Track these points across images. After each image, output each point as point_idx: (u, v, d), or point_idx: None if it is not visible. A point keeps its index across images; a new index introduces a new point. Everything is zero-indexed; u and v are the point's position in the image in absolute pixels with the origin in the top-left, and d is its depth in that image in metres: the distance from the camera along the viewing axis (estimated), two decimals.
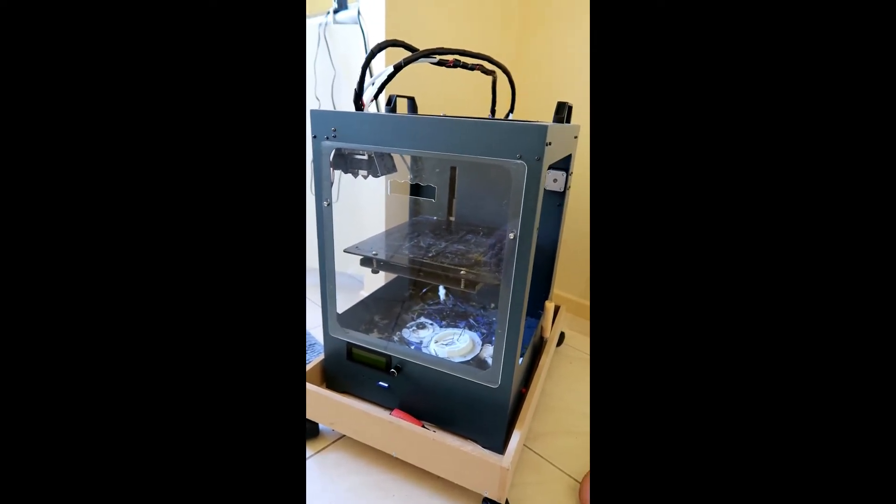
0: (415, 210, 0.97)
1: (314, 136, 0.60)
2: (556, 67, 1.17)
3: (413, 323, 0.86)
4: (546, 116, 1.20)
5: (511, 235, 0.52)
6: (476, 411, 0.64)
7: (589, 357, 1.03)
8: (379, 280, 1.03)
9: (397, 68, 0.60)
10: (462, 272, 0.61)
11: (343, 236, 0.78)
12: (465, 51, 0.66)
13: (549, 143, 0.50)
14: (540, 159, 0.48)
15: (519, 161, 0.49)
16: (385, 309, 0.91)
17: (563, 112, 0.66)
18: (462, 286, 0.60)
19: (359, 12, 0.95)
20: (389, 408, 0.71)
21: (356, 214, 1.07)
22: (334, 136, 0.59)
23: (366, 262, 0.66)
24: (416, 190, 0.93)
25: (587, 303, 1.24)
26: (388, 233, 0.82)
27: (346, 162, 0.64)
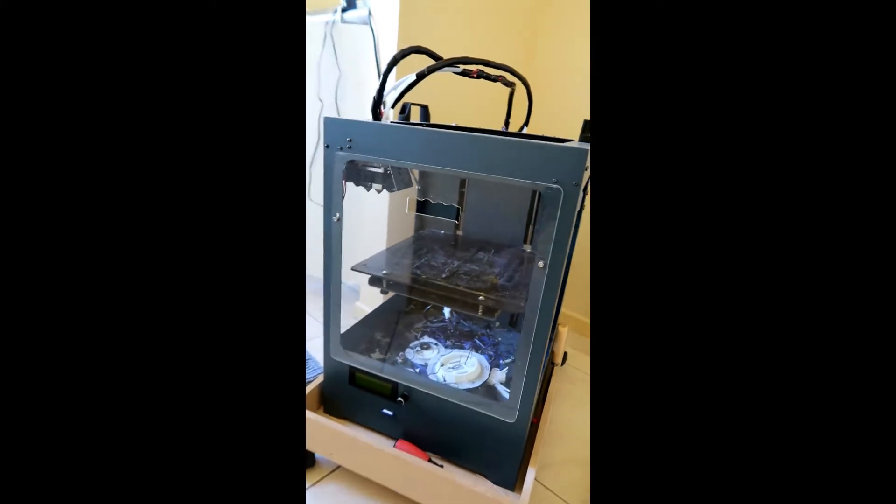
0: (419, 222, 0.92)
1: (327, 146, 0.55)
2: (564, 78, 1.15)
3: (417, 343, 0.81)
4: (555, 129, 1.18)
5: (540, 265, 0.49)
6: (488, 445, 0.60)
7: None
8: (375, 290, 0.98)
9: (420, 76, 0.56)
10: (481, 297, 0.57)
11: (343, 248, 0.73)
12: (488, 61, 0.63)
13: (587, 168, 0.46)
14: (578, 184, 0.45)
15: (555, 185, 0.46)
16: (386, 326, 0.86)
17: (589, 131, 0.62)
18: (480, 313, 0.56)
19: (370, 13, 0.90)
20: (392, 437, 0.67)
21: (357, 225, 1.02)
22: (349, 147, 0.54)
23: (375, 281, 0.62)
24: (432, 209, 0.88)
25: (586, 320, 1.21)
26: (396, 249, 0.78)
27: (359, 174, 0.59)
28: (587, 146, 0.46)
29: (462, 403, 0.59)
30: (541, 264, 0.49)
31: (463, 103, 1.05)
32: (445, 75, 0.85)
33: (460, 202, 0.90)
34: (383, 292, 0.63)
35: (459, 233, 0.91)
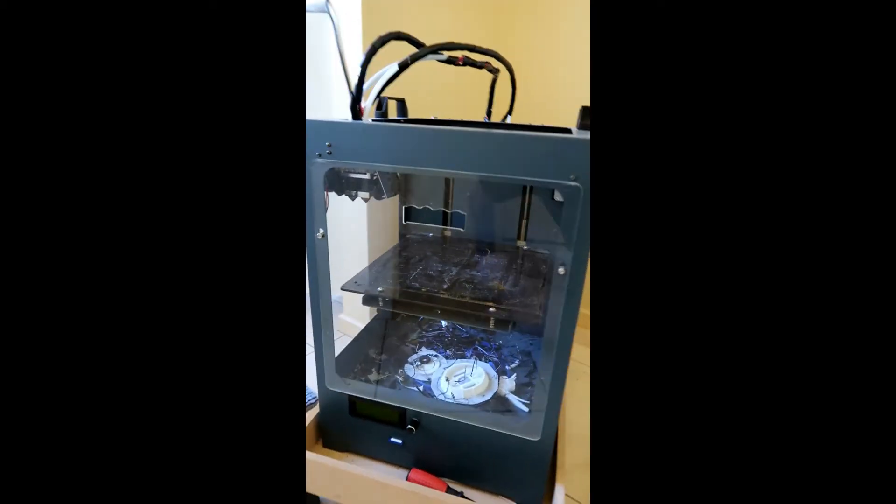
0: (404, 225, 0.86)
1: None
2: (541, 61, 1.10)
3: (416, 357, 0.75)
4: (540, 117, 1.13)
5: (560, 271, 0.44)
6: (510, 465, 0.56)
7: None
8: (359, 300, 0.91)
9: (403, 66, 0.49)
10: (491, 309, 0.52)
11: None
12: (474, 46, 0.56)
13: None
14: None
15: (574, 183, 0.41)
16: (378, 341, 0.79)
17: (588, 118, 0.58)
18: (492, 325, 0.51)
19: (327, 1, 0.81)
20: (404, 466, 0.61)
21: (335, 230, 0.94)
22: (329, 153, 0.47)
23: (370, 300, 0.55)
24: (419, 215, 0.81)
25: (586, 311, 1.19)
26: (386, 259, 0.71)
27: (341, 182, 0.52)
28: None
29: (479, 425, 0.54)
30: (561, 270, 0.44)
31: (439, 94, 0.98)
32: (420, 64, 0.78)
33: (446, 201, 0.84)
34: (380, 311, 0.57)
35: (447, 233, 0.85)
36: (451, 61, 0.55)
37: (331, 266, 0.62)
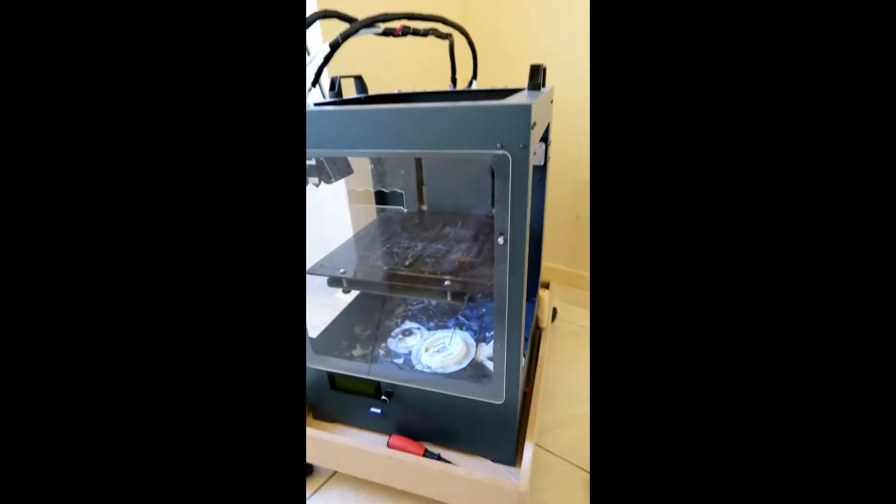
0: (383, 203, 0.86)
1: None
2: (508, 24, 1.05)
3: (398, 330, 0.78)
4: (508, 80, 1.09)
5: (500, 240, 0.44)
6: (481, 427, 0.58)
7: (587, 330, 0.99)
8: None
9: (333, 46, 0.49)
10: (447, 282, 0.53)
11: (308, 245, 0.68)
12: (413, 14, 0.55)
13: (535, 124, 0.41)
14: (526, 146, 0.40)
15: (501, 151, 0.40)
16: (366, 317, 0.82)
17: (538, 77, 0.56)
18: (449, 298, 0.52)
19: None
20: (386, 433, 0.65)
21: (318, 217, 0.96)
22: None
23: (334, 282, 0.57)
24: (380, 197, 0.82)
25: (575, 271, 1.19)
26: (357, 239, 0.72)
27: None
28: (530, 101, 0.40)
29: (447, 392, 0.57)
30: (500, 240, 0.44)
31: (404, 66, 0.96)
32: (376, 39, 0.76)
33: (419, 177, 0.83)
34: (345, 292, 0.59)
35: (425, 208, 0.86)
36: (388, 33, 0.53)
37: (320, 252, 0.64)
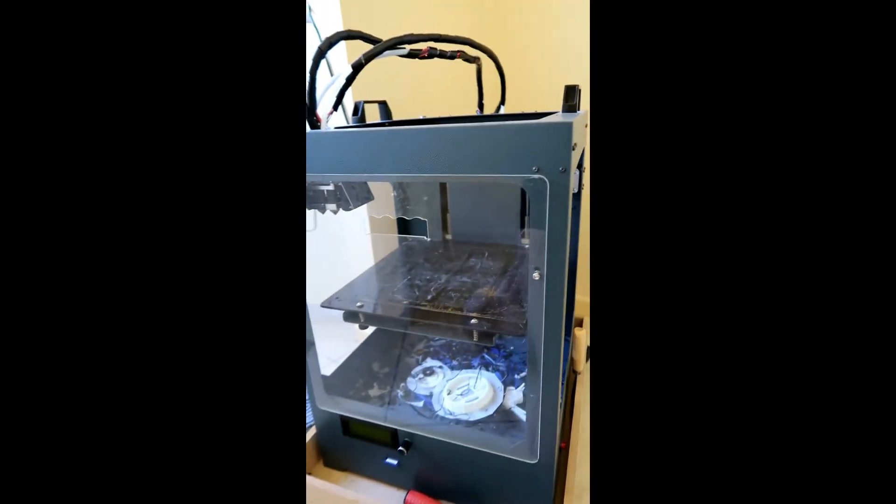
0: (405, 231, 0.83)
1: None
2: (542, 44, 1.03)
3: (419, 369, 0.72)
4: (542, 103, 1.06)
5: (535, 276, 0.39)
6: (511, 487, 0.51)
7: None
8: None
9: (356, 68, 0.46)
10: (473, 321, 0.47)
11: (326, 275, 0.64)
12: (440, 35, 0.52)
13: (575, 146, 0.36)
14: (566, 170, 0.35)
15: (537, 176, 0.35)
16: (385, 352, 0.77)
17: (574, 98, 0.52)
18: (475, 339, 0.47)
19: (308, 7, 0.80)
20: (403, 487, 0.58)
21: (338, 245, 0.93)
22: None
23: (350, 316, 0.53)
24: (403, 225, 0.78)
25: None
26: (377, 269, 0.68)
27: (308, 196, 0.50)
28: (570, 119, 0.35)
29: (472, 446, 0.50)
30: (536, 275, 0.39)
31: (431, 92, 0.95)
32: (402, 63, 0.75)
33: (444, 203, 0.80)
34: (362, 327, 0.54)
35: (449, 237, 0.81)
36: (413, 55, 0.51)
37: (341, 283, 0.61)
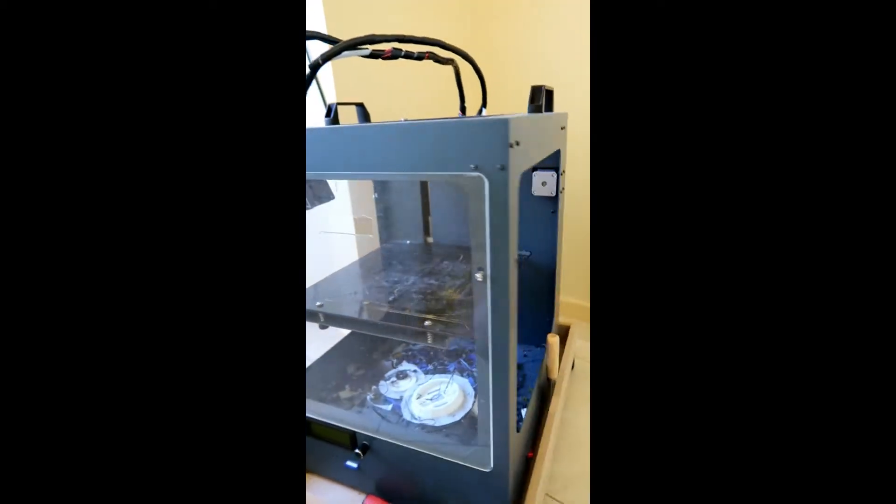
0: (386, 234, 0.82)
1: None
2: (523, 51, 1.02)
3: (393, 372, 0.71)
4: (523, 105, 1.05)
5: (479, 276, 0.38)
6: (469, 495, 0.49)
7: None
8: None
9: (314, 68, 0.46)
10: (427, 323, 0.46)
11: (315, 272, 0.64)
12: (405, 36, 0.52)
13: (517, 144, 0.35)
14: (505, 168, 0.34)
15: (475, 174, 0.35)
16: (363, 355, 0.76)
17: (539, 98, 0.51)
18: (430, 340, 0.46)
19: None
20: (363, 491, 0.57)
21: (326, 244, 0.94)
22: None
23: (310, 316, 0.52)
24: (386, 227, 0.78)
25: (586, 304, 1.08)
26: (347, 271, 0.68)
27: None
28: (512, 116, 0.34)
29: (428, 452, 0.49)
30: (479, 276, 0.38)
31: (414, 94, 0.95)
32: (384, 65, 0.75)
33: (425, 205, 0.79)
34: (322, 327, 0.54)
35: (430, 240, 0.81)
36: (375, 55, 0.51)
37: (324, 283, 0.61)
